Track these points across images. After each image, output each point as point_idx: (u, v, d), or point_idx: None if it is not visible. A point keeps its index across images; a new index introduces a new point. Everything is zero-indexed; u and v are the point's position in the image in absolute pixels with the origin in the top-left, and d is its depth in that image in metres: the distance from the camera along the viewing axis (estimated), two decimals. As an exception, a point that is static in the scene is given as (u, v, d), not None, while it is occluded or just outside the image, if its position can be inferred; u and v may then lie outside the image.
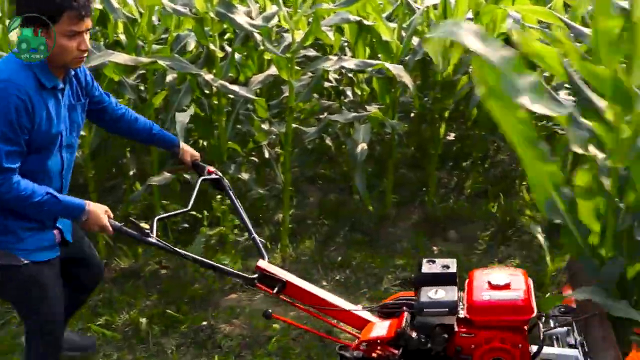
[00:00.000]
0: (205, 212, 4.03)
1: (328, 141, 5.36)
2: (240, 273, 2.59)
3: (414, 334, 2.46)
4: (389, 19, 5.51)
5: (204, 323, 3.77)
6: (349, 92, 5.83)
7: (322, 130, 4.57)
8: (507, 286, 2.52)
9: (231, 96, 4.28)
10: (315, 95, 5.97)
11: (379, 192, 5.43)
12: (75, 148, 2.71)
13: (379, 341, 2.50)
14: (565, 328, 2.72)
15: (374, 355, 2.57)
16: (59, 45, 2.35)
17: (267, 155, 4.57)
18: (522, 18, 4.78)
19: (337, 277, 4.32)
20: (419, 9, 5.15)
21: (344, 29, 5.19)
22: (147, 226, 2.47)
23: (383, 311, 2.73)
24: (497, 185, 5.76)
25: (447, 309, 2.44)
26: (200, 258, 2.61)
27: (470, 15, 5.16)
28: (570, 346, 2.68)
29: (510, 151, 6.63)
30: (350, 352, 2.65)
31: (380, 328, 2.57)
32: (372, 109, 4.79)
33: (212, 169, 2.98)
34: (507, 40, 4.84)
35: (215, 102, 4.39)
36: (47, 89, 2.42)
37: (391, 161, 5.07)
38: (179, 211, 2.80)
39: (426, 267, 2.63)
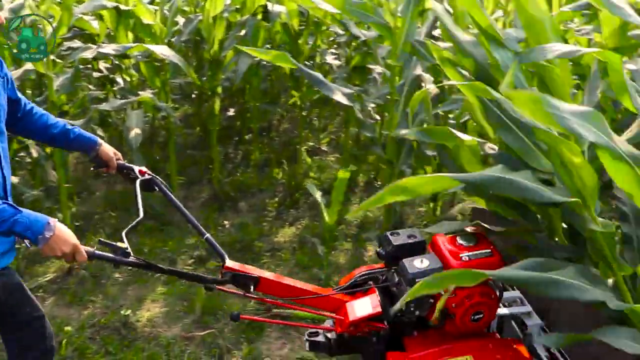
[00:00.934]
0: None
1: (100, 132, 5.21)
2: (212, 277, 2.38)
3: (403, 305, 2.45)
4: (152, 2, 5.44)
5: (-10, 339, 3.56)
6: (120, 80, 5.69)
7: (90, 121, 4.42)
8: (476, 245, 2.58)
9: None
10: (91, 86, 5.79)
11: (164, 176, 5.39)
12: (6, 135, 2.34)
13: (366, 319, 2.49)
14: None
15: (358, 333, 2.55)
16: None
17: (35, 154, 4.35)
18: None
19: (130, 268, 4.25)
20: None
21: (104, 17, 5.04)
22: (123, 245, 2.11)
23: (348, 289, 2.69)
24: (281, 153, 5.96)
25: None
26: (177, 269, 2.48)
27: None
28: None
29: (292, 119, 6.92)
30: (324, 334, 2.63)
31: (362, 306, 2.55)
32: (146, 94, 4.72)
33: (143, 169, 2.64)
34: (265, 12, 5.02)
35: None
36: None
37: (172, 143, 5.05)
38: (136, 220, 2.35)
39: (395, 240, 2.62)
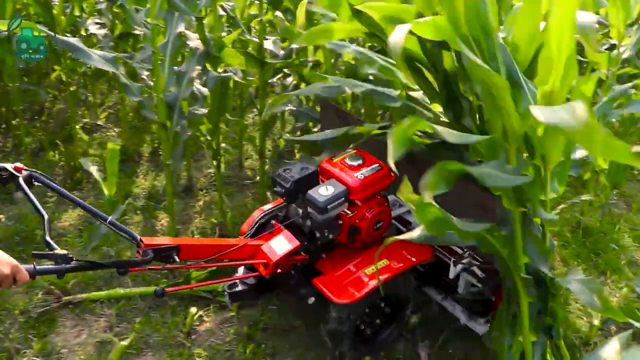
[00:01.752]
0: None
1: None
2: (141, 259, 2.25)
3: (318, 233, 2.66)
4: None
5: None
6: None
7: None
8: (365, 163, 2.78)
9: None
10: None
11: None
12: None
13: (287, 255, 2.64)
14: None
15: (279, 271, 2.66)
16: None
17: None
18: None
19: None
20: None
21: None
22: (62, 250, 1.91)
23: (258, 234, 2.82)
24: (57, 135, 5.60)
25: (343, 198, 2.62)
26: (120, 260, 2.46)
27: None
28: None
29: (66, 99, 6.51)
30: (243, 283, 2.76)
31: (279, 244, 2.67)
32: None
33: (18, 165, 2.29)
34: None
35: None
36: None
37: None
38: (46, 221, 2.06)
39: (291, 175, 2.73)
